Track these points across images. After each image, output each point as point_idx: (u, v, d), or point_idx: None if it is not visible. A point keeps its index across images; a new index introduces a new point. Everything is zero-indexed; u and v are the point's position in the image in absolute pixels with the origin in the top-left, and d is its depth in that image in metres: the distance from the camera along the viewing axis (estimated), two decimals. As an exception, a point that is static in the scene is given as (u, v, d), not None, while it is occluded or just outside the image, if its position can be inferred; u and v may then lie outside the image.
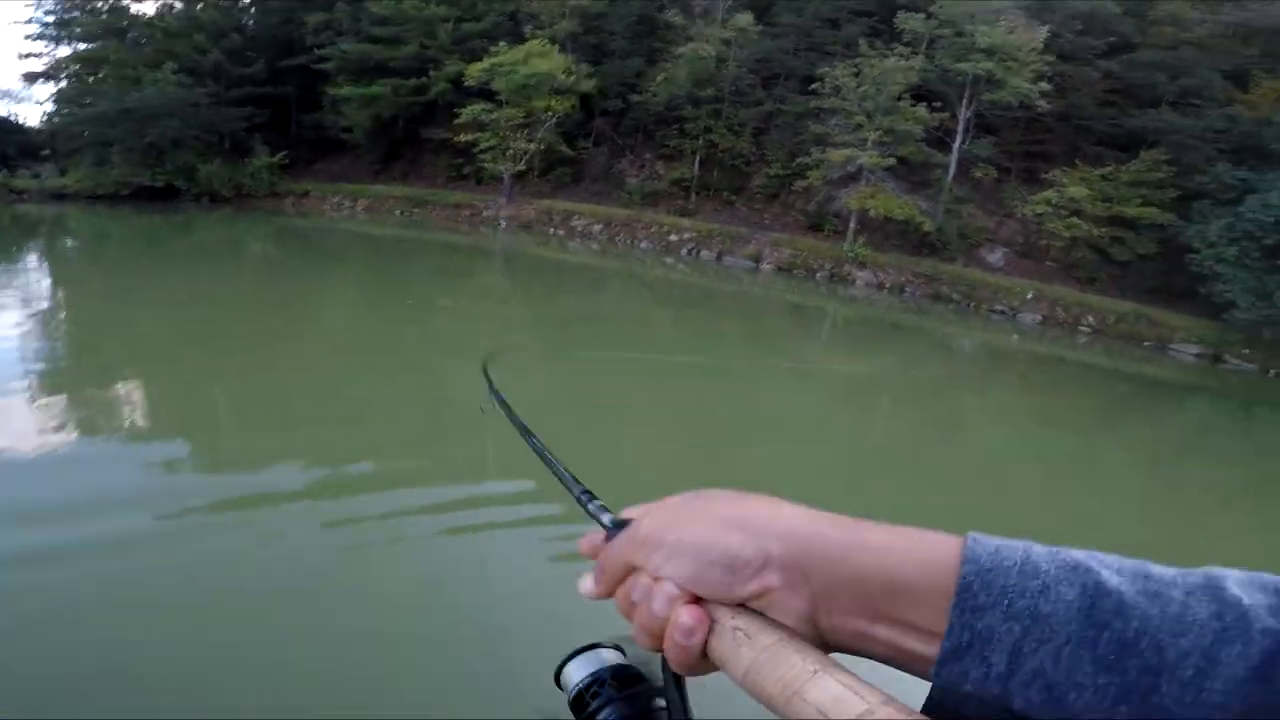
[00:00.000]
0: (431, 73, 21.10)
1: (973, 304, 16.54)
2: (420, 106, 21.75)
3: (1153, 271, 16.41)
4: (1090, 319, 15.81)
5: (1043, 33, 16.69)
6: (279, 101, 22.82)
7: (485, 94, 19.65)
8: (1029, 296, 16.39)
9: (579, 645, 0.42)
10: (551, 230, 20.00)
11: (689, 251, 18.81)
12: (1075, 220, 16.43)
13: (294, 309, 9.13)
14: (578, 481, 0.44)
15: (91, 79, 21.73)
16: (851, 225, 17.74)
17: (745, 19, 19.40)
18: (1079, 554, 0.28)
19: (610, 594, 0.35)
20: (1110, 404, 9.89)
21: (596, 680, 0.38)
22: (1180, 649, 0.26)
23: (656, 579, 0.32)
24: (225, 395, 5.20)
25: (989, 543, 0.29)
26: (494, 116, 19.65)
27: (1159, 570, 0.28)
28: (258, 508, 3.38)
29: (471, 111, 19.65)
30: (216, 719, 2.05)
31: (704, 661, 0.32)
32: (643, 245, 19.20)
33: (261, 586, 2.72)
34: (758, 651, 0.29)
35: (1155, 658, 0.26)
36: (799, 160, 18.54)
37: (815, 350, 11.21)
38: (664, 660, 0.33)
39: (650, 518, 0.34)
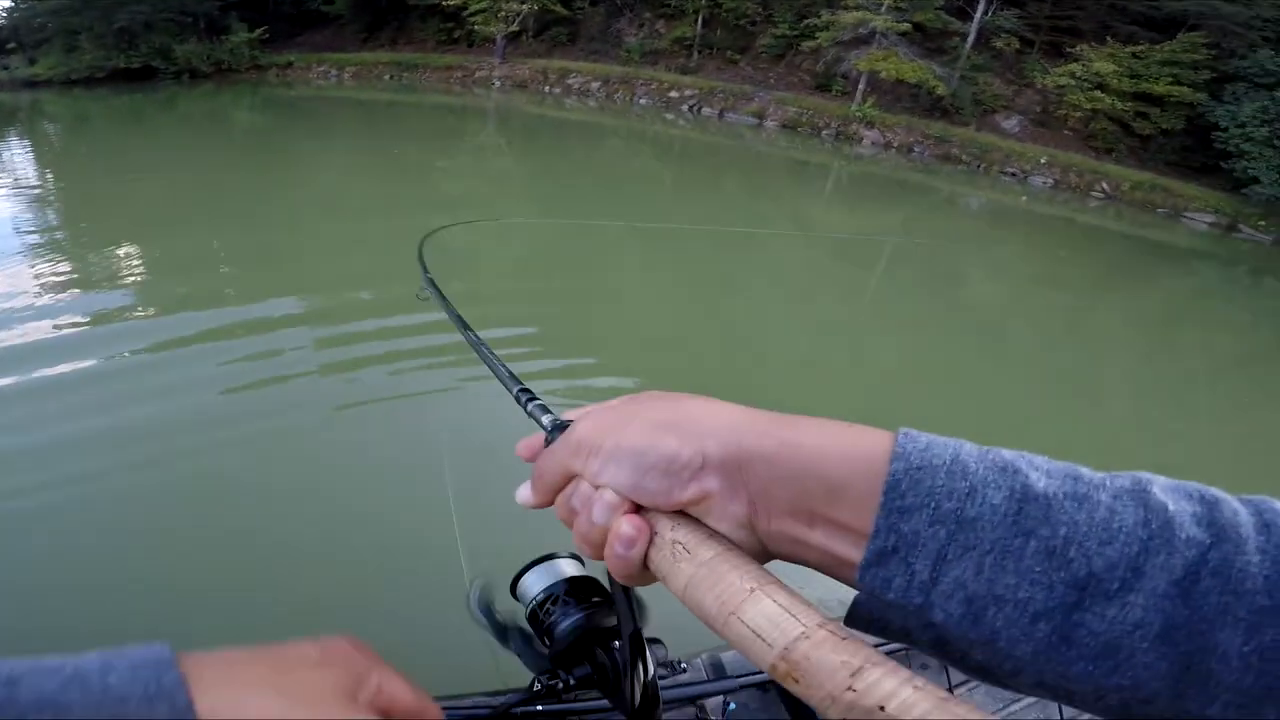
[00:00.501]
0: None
1: (983, 165, 15.98)
2: (406, -28, 20.41)
3: (1174, 147, 15.99)
4: (1104, 185, 15.33)
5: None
6: (254, -23, 21.27)
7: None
8: (1042, 161, 15.82)
9: (537, 555, 0.38)
10: (547, 89, 19.29)
11: (690, 108, 18.11)
12: (1098, 94, 15.74)
13: (286, 169, 8.99)
14: (515, 379, 0.41)
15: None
16: (861, 86, 16.91)
17: None
18: (1009, 454, 0.26)
19: (549, 502, 0.33)
20: (1115, 264, 9.65)
21: (551, 595, 0.37)
22: (1107, 559, 0.24)
23: (596, 486, 0.31)
24: (222, 246, 5.38)
25: (920, 439, 0.27)
26: (484, -21, 18.48)
27: (1087, 473, 0.26)
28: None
29: (460, -26, 18.48)
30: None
31: (646, 573, 0.30)
32: (642, 102, 18.56)
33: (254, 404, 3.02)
34: (696, 567, 0.28)
35: (1083, 568, 0.24)
36: (807, 22, 17.47)
37: (818, 204, 10.93)
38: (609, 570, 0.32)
39: (586, 421, 0.32)
